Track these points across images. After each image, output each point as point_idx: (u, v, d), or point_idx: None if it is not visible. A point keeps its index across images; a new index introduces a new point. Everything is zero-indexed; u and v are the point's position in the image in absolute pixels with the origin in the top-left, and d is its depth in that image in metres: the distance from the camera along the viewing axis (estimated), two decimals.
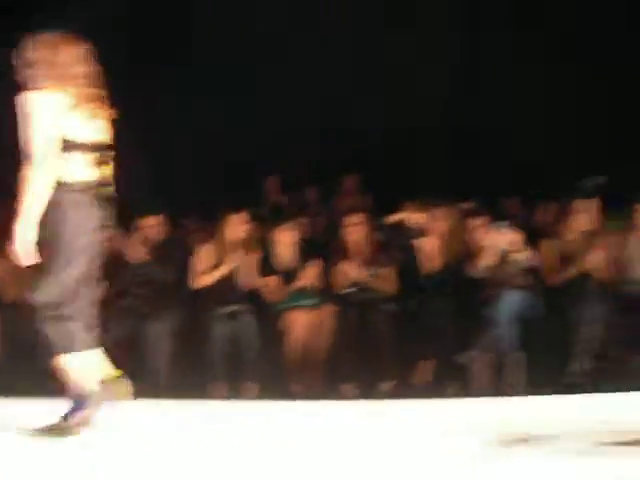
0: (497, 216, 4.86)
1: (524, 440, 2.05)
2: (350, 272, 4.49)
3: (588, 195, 4.67)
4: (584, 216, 4.44)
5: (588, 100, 5.78)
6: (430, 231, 4.67)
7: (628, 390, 3.46)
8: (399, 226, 4.85)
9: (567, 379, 3.89)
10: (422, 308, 4.38)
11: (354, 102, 6.18)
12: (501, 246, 4.51)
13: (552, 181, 5.40)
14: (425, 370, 4.25)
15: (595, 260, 4.26)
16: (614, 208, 4.67)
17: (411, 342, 4.34)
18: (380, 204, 5.50)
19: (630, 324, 4.01)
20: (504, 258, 4.52)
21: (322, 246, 4.88)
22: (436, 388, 4.10)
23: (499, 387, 4.06)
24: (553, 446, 1.95)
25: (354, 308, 4.41)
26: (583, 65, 5.86)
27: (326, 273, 4.59)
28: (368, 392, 4.14)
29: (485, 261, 4.47)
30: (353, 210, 4.85)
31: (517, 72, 6.09)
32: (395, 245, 4.82)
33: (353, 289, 4.48)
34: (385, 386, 4.19)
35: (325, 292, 4.55)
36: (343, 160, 6.17)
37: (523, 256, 4.56)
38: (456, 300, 4.36)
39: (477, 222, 4.62)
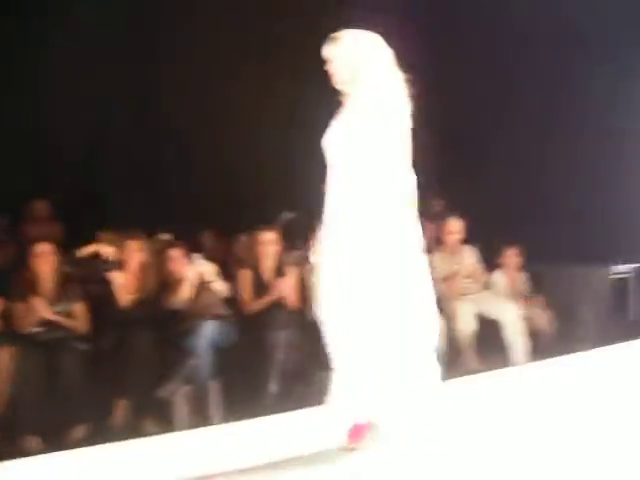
0: (193, 248, 4.95)
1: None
2: (36, 308, 4.07)
3: (280, 227, 5.08)
4: (274, 247, 4.75)
5: None
6: (125, 264, 4.51)
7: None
8: (92, 258, 4.60)
9: (263, 401, 4.06)
10: (118, 344, 4.16)
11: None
12: (197, 277, 4.59)
13: (247, 213, 5.73)
14: (123, 409, 4.03)
15: (284, 288, 4.58)
16: None
17: (107, 381, 4.09)
18: (72, 234, 5.18)
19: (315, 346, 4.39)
20: (200, 289, 4.60)
21: (6, 279, 4.35)
22: (135, 426, 3.92)
23: (200, 417, 4.06)
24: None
25: (40, 349, 3.98)
26: None
27: (8, 309, 4.08)
28: (57, 442, 3.75)
29: (182, 293, 4.49)
30: (41, 239, 4.43)
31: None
32: (88, 279, 4.55)
33: (39, 328, 4.07)
34: (77, 432, 3.85)
35: (6, 331, 4.04)
36: (33, 185, 5.69)
37: (219, 287, 4.71)
38: (154, 333, 4.26)
39: (174, 254, 4.63)
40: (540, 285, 5.64)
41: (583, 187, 6.19)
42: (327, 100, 2.79)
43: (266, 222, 5.06)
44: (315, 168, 2.77)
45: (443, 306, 5.07)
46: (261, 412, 3.61)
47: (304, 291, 4.65)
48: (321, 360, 2.94)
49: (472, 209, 5.75)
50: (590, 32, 6.02)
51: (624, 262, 5.89)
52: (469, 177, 7.25)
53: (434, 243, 6.21)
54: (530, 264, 5.66)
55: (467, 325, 4.94)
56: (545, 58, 6.46)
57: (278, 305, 4.53)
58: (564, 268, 5.77)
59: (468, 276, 5.39)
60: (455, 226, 5.46)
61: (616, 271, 5.83)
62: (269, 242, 4.69)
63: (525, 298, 5.49)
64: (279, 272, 4.65)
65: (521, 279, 5.64)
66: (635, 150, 6.11)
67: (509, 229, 5.88)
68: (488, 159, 7.10)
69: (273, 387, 4.14)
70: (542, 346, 5.13)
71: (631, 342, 5.33)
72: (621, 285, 5.86)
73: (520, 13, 6.22)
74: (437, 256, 5.44)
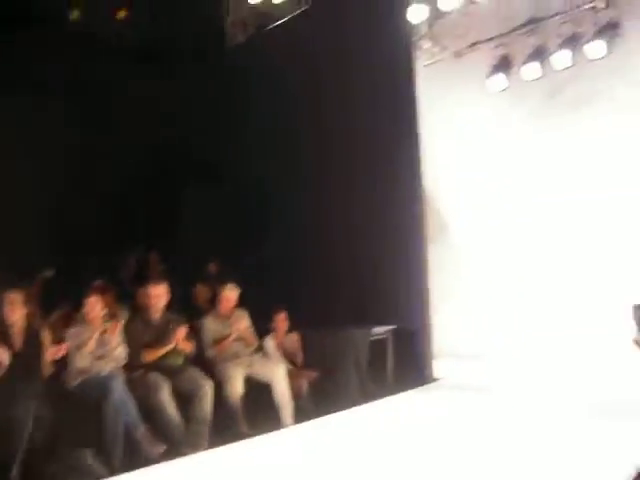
0: None
1: None
2: None
3: None
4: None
5: None
6: None
7: None
8: None
9: None
10: None
11: None
12: None
13: None
14: None
15: None
16: None
17: None
18: None
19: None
20: None
21: None
22: None
23: None
24: None
25: None
26: None
27: None
28: None
29: None
30: None
31: None
32: None
33: None
34: None
35: None
36: None
37: None
38: None
39: None
40: (306, 347, 5.79)
41: (350, 267, 6.65)
42: None
43: None
44: None
45: (214, 370, 4.97)
46: None
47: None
48: None
49: (245, 272, 5.80)
50: None
51: (381, 324, 6.32)
52: (244, 242, 7.41)
53: (208, 305, 6.15)
54: (298, 327, 5.81)
55: (237, 389, 4.85)
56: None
57: None
58: (330, 330, 6.02)
59: (240, 339, 5.35)
60: (231, 292, 5.43)
61: (376, 333, 6.22)
62: None
63: (294, 361, 5.60)
64: None
65: (290, 342, 5.76)
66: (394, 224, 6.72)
67: (279, 293, 6.02)
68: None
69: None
70: (307, 406, 5.23)
71: (389, 398, 5.70)
72: (380, 346, 6.26)
73: None
74: (210, 319, 5.35)
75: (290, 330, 5.78)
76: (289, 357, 5.68)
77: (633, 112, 6.14)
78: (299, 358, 5.70)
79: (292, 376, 5.25)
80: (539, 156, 6.95)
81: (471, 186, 7.45)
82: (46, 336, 4.23)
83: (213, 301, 6.30)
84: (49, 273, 5.89)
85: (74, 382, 4.33)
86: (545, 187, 6.92)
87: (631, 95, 6.17)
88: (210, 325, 5.30)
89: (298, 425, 4.89)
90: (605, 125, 6.36)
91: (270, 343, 5.64)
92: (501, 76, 6.82)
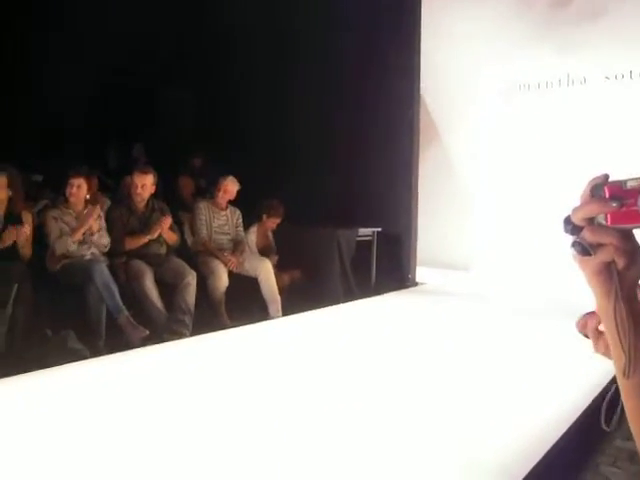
0: None
1: None
2: None
3: None
4: None
5: None
6: None
7: None
8: None
9: None
10: None
11: None
12: None
13: None
14: None
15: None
16: None
17: None
18: None
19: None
20: None
21: None
22: None
23: None
24: None
25: None
26: None
27: None
28: None
29: None
30: None
31: None
32: None
33: None
34: None
35: None
36: None
37: None
38: None
39: None
40: (291, 244, 5.77)
41: (340, 167, 6.54)
42: None
43: None
44: None
45: (198, 262, 4.94)
46: None
47: None
48: None
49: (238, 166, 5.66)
50: None
51: (367, 226, 6.31)
52: (233, 134, 7.24)
53: (191, 199, 6.06)
54: (285, 224, 5.76)
55: (221, 281, 4.84)
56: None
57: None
58: (315, 229, 5.99)
59: (228, 234, 5.30)
60: (232, 185, 5.32)
61: (362, 234, 6.22)
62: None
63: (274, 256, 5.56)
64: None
65: (271, 238, 5.74)
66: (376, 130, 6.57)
67: (269, 189, 5.92)
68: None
69: None
70: (290, 302, 5.27)
71: (374, 298, 5.77)
72: (366, 247, 6.27)
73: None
74: (204, 204, 5.27)
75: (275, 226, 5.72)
76: (271, 251, 5.66)
77: None
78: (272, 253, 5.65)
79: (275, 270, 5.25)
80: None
81: (466, 93, 7.27)
82: (27, 219, 4.14)
83: (196, 194, 6.25)
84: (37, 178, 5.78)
85: (56, 266, 4.27)
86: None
87: None
88: (203, 211, 5.22)
89: (281, 319, 4.94)
90: None
91: (252, 236, 5.60)
92: None
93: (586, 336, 0.85)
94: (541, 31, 6.69)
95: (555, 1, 6.77)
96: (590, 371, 3.11)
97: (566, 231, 0.73)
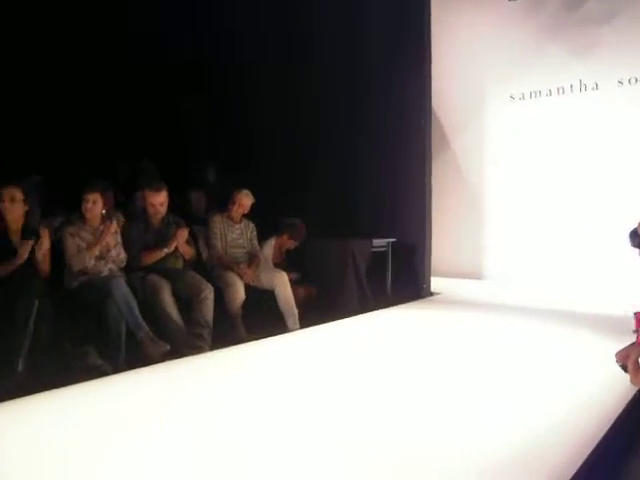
0: None
1: None
2: None
3: None
4: None
5: None
6: None
7: None
8: None
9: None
10: None
11: None
12: None
13: None
14: None
15: None
16: None
17: None
18: None
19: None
20: None
21: None
22: None
23: None
24: None
25: None
26: None
27: None
28: None
29: None
30: None
31: None
32: None
33: None
34: None
35: None
36: None
37: None
38: None
39: None
40: (307, 257, 5.76)
41: (354, 179, 6.55)
42: None
43: None
44: None
45: (215, 276, 4.93)
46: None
47: None
48: None
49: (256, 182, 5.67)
50: None
51: (382, 237, 6.30)
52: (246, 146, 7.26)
53: (203, 214, 6.05)
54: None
55: (239, 295, 4.83)
56: None
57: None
58: (330, 241, 5.99)
59: (243, 247, 5.30)
60: (246, 198, 5.32)
61: (376, 245, 6.20)
62: None
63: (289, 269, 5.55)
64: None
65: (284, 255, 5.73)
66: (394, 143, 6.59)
67: (283, 202, 5.93)
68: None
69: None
70: (305, 315, 5.24)
71: (390, 309, 5.74)
72: (380, 258, 6.26)
73: None
74: (218, 218, 5.27)
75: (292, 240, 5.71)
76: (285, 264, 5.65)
77: None
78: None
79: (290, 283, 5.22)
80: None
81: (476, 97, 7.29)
82: (45, 235, 4.13)
83: (209, 209, 6.24)
84: (37, 178, 5.76)
85: (75, 282, 4.26)
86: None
87: None
88: (218, 224, 5.23)
89: (298, 331, 4.92)
90: None
91: (268, 250, 5.59)
92: None
93: (624, 367, 0.81)
94: (551, 35, 6.71)
95: (565, 4, 6.77)
96: (608, 386, 3.07)
97: (633, 245, 0.72)
